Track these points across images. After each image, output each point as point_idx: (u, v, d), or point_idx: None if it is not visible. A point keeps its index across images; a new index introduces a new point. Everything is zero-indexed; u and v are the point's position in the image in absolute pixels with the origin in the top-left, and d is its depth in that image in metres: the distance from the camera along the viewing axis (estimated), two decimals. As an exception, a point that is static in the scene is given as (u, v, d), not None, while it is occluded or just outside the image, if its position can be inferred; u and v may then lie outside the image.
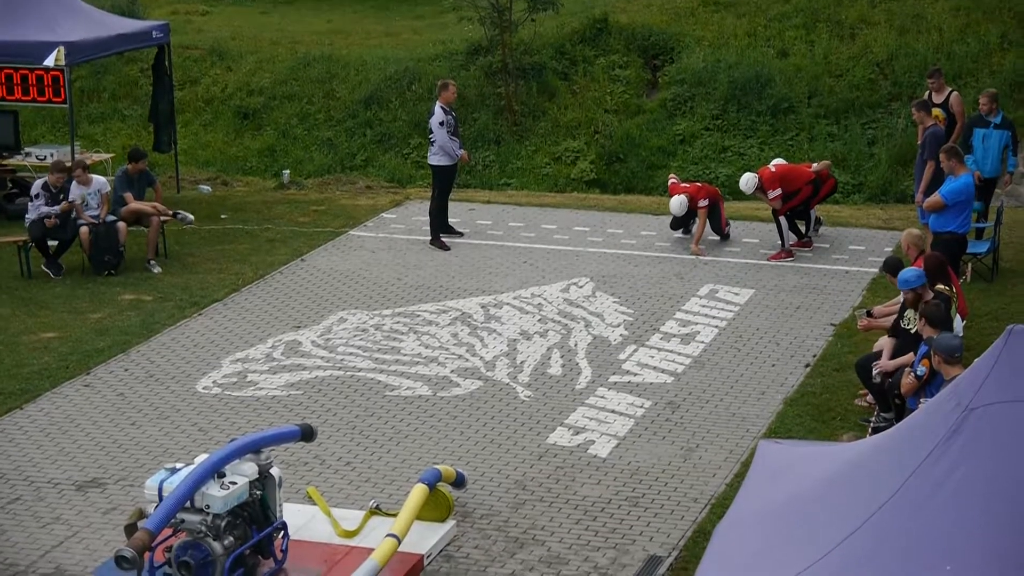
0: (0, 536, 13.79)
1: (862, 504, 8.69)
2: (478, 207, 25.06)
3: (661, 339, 18.68)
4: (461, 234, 23.18)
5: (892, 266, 16.61)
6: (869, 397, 16.10)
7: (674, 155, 27.04)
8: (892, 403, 15.19)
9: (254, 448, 12.77)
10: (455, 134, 22.72)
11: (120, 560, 11.82)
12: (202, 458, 12.61)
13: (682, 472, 15.01)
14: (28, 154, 24.75)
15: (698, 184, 23.01)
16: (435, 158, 22.70)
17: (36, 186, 21.63)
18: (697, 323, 19.29)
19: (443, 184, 22.84)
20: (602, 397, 16.94)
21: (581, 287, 20.66)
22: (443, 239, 22.74)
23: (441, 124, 22.44)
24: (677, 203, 22.33)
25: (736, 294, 20.39)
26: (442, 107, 22.53)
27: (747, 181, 21.93)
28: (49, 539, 13.71)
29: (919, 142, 21.39)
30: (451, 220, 23.22)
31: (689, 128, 27.76)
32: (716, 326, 19.17)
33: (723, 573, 9.50)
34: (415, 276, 21.29)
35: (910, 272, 15.64)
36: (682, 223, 22.87)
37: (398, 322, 19.37)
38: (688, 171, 26.45)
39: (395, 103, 29.18)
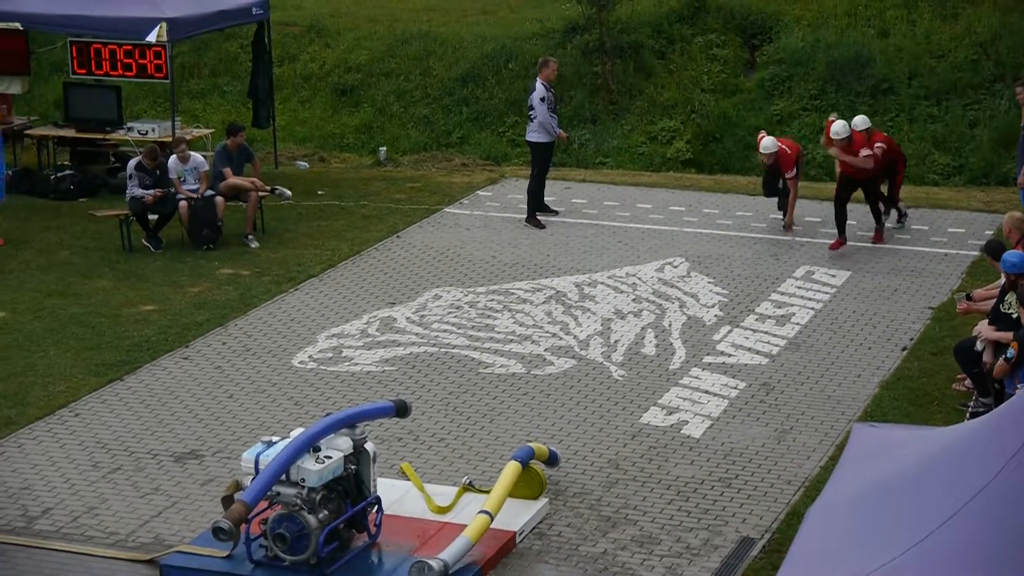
0: (101, 505, 14.01)
1: (958, 490, 8.63)
2: (573, 186, 25.06)
3: (756, 320, 18.62)
4: (556, 212, 23.19)
5: (993, 249, 16.44)
6: (967, 382, 15.95)
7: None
8: (991, 388, 15.05)
9: (349, 423, 12.88)
10: (554, 112, 22.74)
11: (217, 531, 11.98)
12: (298, 432, 12.74)
13: (776, 454, 14.96)
14: (130, 129, 25.04)
15: (790, 142, 22.91)
16: (534, 135, 22.75)
17: (130, 166, 21.85)
18: (793, 304, 19.20)
19: (542, 162, 22.87)
20: (696, 377, 16.91)
21: (676, 267, 20.62)
22: (538, 217, 22.78)
23: (542, 100, 22.47)
24: (769, 142, 22.12)
25: (833, 276, 20.27)
26: (543, 84, 22.57)
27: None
28: (148, 509, 13.90)
29: (1023, 124, 21.14)
30: (547, 199, 23.24)
31: (787, 108, 27.57)
32: (812, 308, 19.08)
33: (815, 556, 9.47)
34: (510, 254, 21.33)
35: (1015, 255, 15.46)
36: (774, 190, 22.56)
37: (492, 300, 19.43)
38: (785, 151, 26.33)
39: (491, 81, 29.19)
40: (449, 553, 12.28)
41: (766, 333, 18.23)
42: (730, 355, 17.57)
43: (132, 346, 17.94)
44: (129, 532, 13.49)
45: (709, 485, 14.33)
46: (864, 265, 20.68)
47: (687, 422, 15.75)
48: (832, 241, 21.30)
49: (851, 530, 9.53)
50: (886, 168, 21.77)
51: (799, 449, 15.05)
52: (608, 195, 24.42)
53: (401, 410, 13.62)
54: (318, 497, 12.49)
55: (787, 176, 22.14)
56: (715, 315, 18.86)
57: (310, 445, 12.48)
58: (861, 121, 21.64)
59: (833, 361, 17.33)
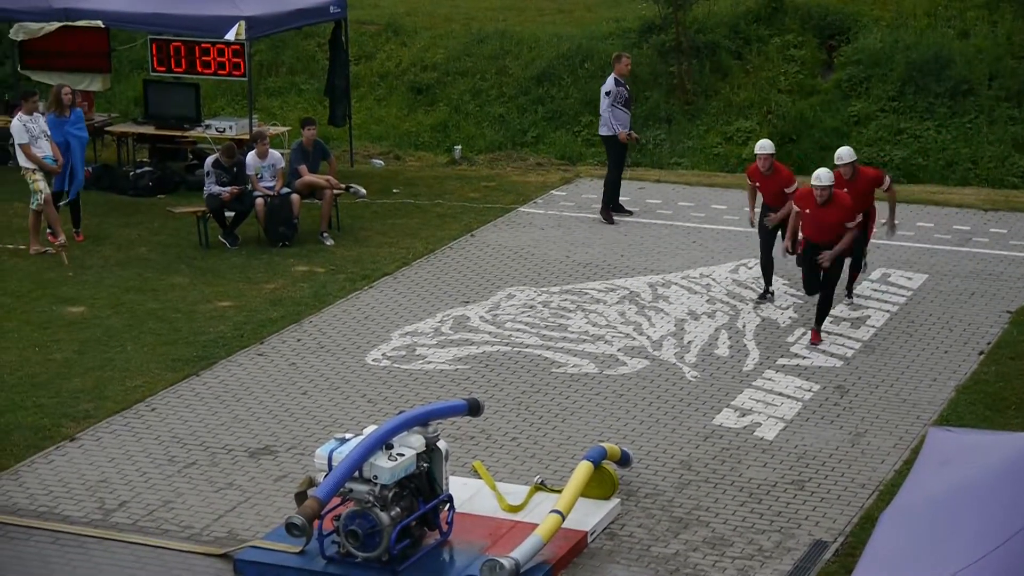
0: (177, 499, 14.12)
1: (1035, 496, 8.56)
2: (648, 186, 25.01)
3: (831, 323, 18.50)
4: (630, 213, 23.17)
5: None
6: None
7: (848, 136, 26.66)
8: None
9: (422, 421, 12.92)
10: (625, 106, 22.74)
11: (291, 527, 12.04)
12: (371, 429, 12.79)
13: (850, 457, 14.88)
14: (208, 126, 25.21)
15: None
16: (603, 129, 22.86)
17: (208, 163, 22.02)
18: (868, 307, 19.09)
19: (614, 156, 22.88)
20: (769, 379, 16.85)
21: (751, 268, 20.53)
22: (613, 215, 22.77)
23: (607, 94, 22.55)
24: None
25: (909, 279, 20.14)
26: (615, 78, 22.65)
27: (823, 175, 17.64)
28: (223, 504, 13.99)
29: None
30: (621, 199, 23.21)
31: (864, 109, 27.38)
32: (888, 311, 18.96)
33: (889, 561, 9.41)
34: (584, 254, 21.32)
35: None
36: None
37: (566, 299, 19.43)
38: (863, 153, 26.07)
39: (567, 80, 29.16)
40: (521, 552, 12.29)
41: (841, 335, 18.13)
42: (804, 357, 17.49)
43: (208, 342, 18.07)
44: (204, 526, 13.59)
45: (782, 488, 14.27)
46: (941, 268, 20.52)
47: (760, 424, 15.69)
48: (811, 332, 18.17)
49: (925, 535, 9.46)
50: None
51: (873, 452, 14.96)
52: (683, 195, 24.36)
53: (474, 409, 13.65)
54: (391, 494, 12.53)
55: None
56: (789, 317, 18.78)
57: (383, 442, 12.53)
58: (847, 153, 18.68)
59: (909, 364, 17.21)
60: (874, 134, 26.56)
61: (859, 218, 17.94)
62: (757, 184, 19.23)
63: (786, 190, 18.90)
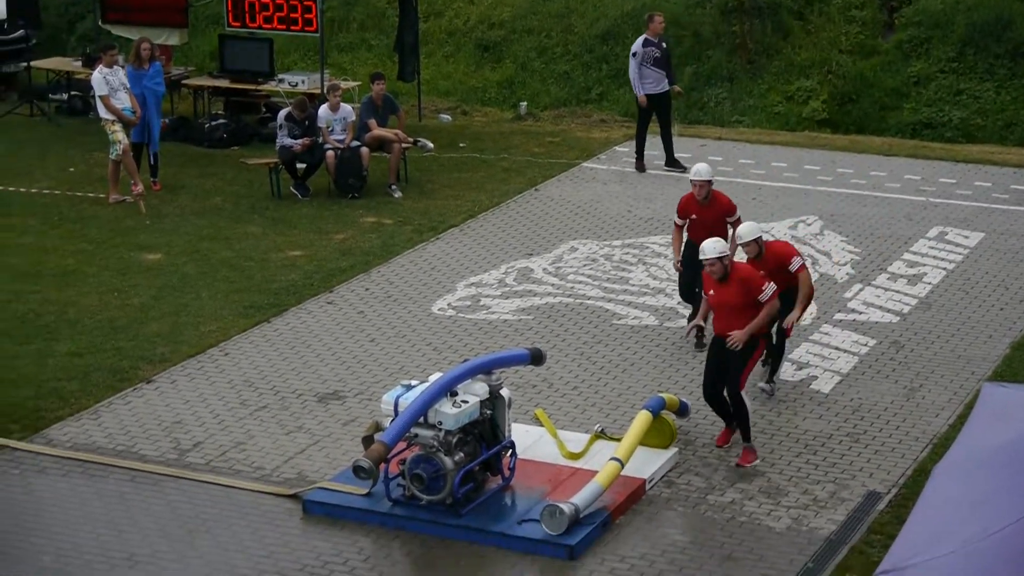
0: (248, 441, 14.23)
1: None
2: (709, 143, 24.88)
3: (888, 279, 18.41)
4: (686, 169, 23.06)
5: None
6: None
7: (907, 96, 26.44)
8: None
9: (485, 369, 12.95)
10: (657, 66, 22.69)
11: (358, 470, 12.11)
12: (436, 376, 12.83)
13: (904, 411, 14.81)
14: (281, 80, 25.25)
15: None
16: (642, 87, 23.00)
17: (280, 116, 22.07)
18: (925, 264, 18.95)
19: (656, 111, 22.81)
20: (826, 334, 16.77)
21: (809, 225, 20.42)
22: (643, 167, 23.12)
23: (633, 55, 22.58)
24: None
25: (966, 237, 19.97)
26: (644, 39, 22.66)
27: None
28: (292, 446, 14.09)
29: None
30: (680, 155, 23.12)
31: (924, 70, 27.10)
32: (944, 268, 18.81)
33: (941, 513, 9.38)
34: (645, 209, 21.26)
35: None
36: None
37: (627, 253, 19.39)
38: (921, 113, 25.89)
39: (631, 39, 28.81)
40: (580, 498, 12.32)
41: (897, 292, 18.02)
42: (861, 312, 17.39)
43: (279, 290, 18.16)
44: (274, 467, 13.69)
45: (837, 440, 14.23)
46: (998, 227, 20.33)
47: (817, 377, 15.63)
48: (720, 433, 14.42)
49: (978, 488, 9.42)
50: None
51: (928, 407, 14.88)
52: (743, 153, 24.22)
53: (536, 358, 13.67)
54: (455, 440, 12.59)
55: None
56: (847, 273, 18.67)
57: (448, 389, 12.58)
58: (747, 231, 14.60)
59: (964, 321, 17.09)
60: (933, 95, 26.30)
61: (768, 290, 13.80)
62: (692, 218, 16.07)
63: (728, 219, 15.89)
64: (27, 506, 13.07)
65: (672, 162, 23.03)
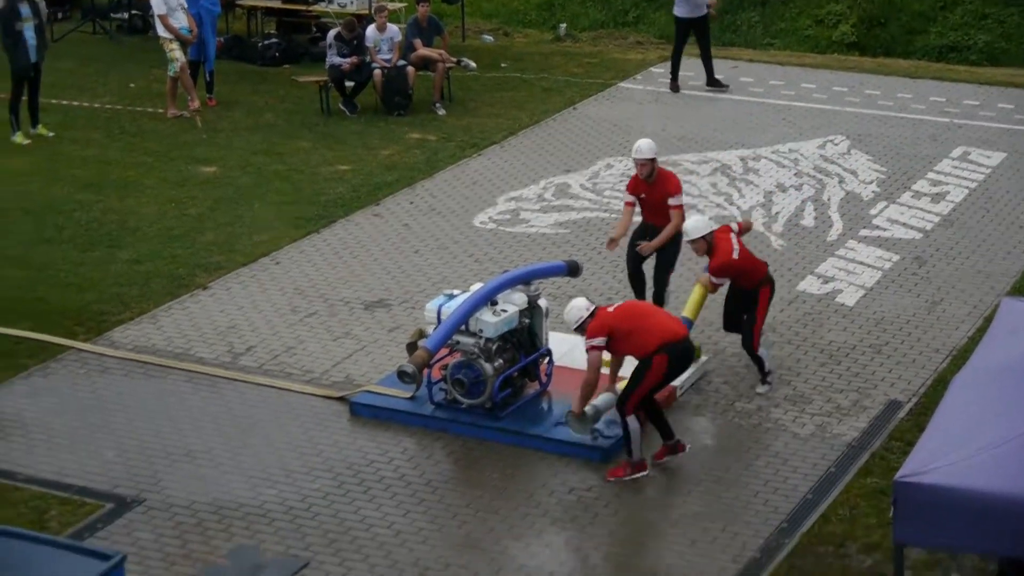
0: (298, 345, 14.31)
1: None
2: (741, 65, 24.65)
3: (912, 197, 18.29)
4: (726, 87, 22.91)
5: None
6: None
7: (934, 21, 26.12)
8: None
9: (524, 280, 12.97)
10: None
11: (402, 375, 12.19)
12: (477, 287, 12.87)
13: (925, 324, 14.77)
14: (331, 1, 25.09)
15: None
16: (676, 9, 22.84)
17: (329, 36, 21.99)
18: (948, 183, 18.81)
19: (695, 33, 22.63)
20: (851, 249, 16.70)
21: (837, 144, 20.28)
22: (678, 87, 22.93)
23: None
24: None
25: (988, 157, 19.78)
26: None
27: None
28: (340, 351, 14.16)
29: None
30: (718, 75, 22.94)
31: (951, -6, 26.78)
32: (967, 187, 18.67)
33: (960, 421, 9.38)
34: (678, 127, 21.14)
35: None
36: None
37: (662, 170, 19.28)
38: (947, 37, 25.59)
39: (668, -37, 28.74)
40: (601, 400, 12.30)
41: (921, 209, 17.90)
42: (885, 229, 17.30)
43: (328, 202, 18.18)
44: (323, 371, 13.78)
45: (860, 351, 14.21)
46: (1019, 148, 20.13)
47: (841, 291, 15.59)
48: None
49: (995, 398, 9.42)
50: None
51: (948, 320, 14.83)
52: (774, 75, 24.02)
53: (573, 270, 13.67)
54: (494, 347, 12.64)
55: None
56: (872, 191, 18.56)
57: (488, 299, 12.60)
58: (693, 227, 13.54)
59: (985, 238, 16.98)
60: (959, 19, 25.97)
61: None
62: (641, 196, 14.38)
63: (670, 201, 14.19)
64: (92, 404, 13.22)
65: (713, 82, 22.86)
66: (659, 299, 14.35)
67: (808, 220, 17.60)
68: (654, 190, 14.23)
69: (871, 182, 18.86)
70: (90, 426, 12.84)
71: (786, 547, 11.14)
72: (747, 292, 13.46)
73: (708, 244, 13.37)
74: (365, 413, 12.96)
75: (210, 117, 21.42)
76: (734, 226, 13.86)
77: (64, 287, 15.63)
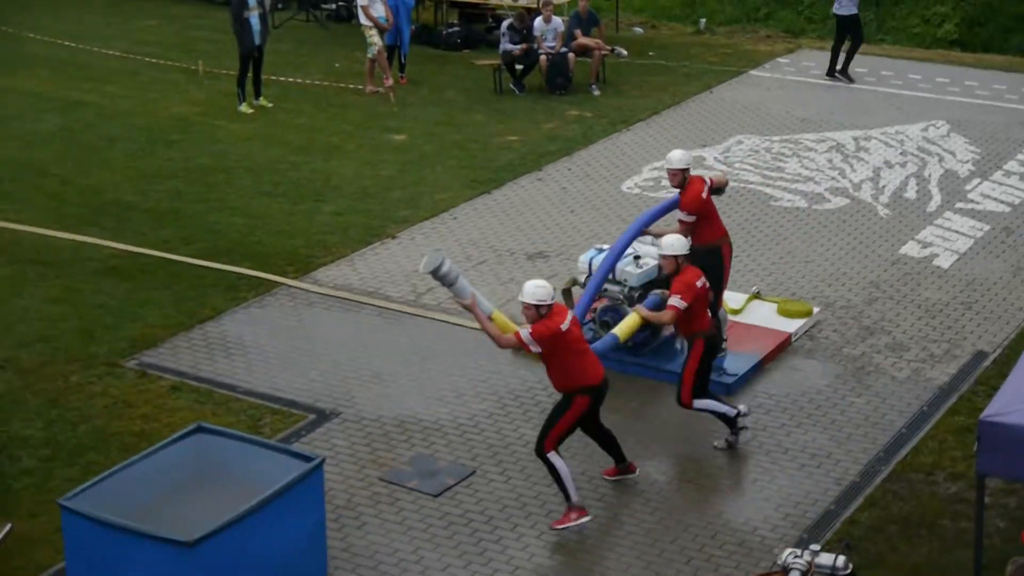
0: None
1: None
2: (857, 58, 24.09)
3: (1003, 175, 17.81)
4: (852, 80, 22.46)
5: None
6: None
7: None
8: None
9: (645, 225, 12.74)
10: None
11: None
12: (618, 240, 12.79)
13: (1011, 286, 14.43)
14: (504, -4, 25.11)
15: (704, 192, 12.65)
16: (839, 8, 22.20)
17: (503, 26, 22.00)
18: (1036, 164, 18.31)
19: (849, 30, 22.15)
20: (948, 219, 16.34)
21: (938, 128, 19.81)
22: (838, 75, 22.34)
23: None
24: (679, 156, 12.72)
25: (1073, 141, 19.19)
26: None
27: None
28: (506, 293, 14.21)
29: None
30: (847, 68, 22.46)
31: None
32: (1053, 167, 18.15)
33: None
34: (801, 110, 20.80)
35: None
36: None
37: (784, 147, 19.03)
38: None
39: (800, -32, 28.22)
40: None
41: (1011, 186, 17.43)
42: (978, 203, 16.88)
43: (498, 167, 18.23)
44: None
45: (953, 307, 13.94)
46: (1100, 134, 19.50)
47: (938, 255, 15.28)
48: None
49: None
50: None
51: (1031, 283, 14.49)
52: (884, 66, 23.48)
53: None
54: (636, 295, 12.61)
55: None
56: (968, 169, 18.11)
57: (622, 250, 12.49)
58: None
59: (1067, 213, 16.52)
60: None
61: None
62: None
63: (679, 216, 12.52)
64: (299, 331, 13.47)
65: (844, 72, 22.38)
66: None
67: (911, 193, 17.24)
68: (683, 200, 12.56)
69: (967, 161, 18.41)
70: (297, 350, 13.09)
71: (882, 473, 11.03)
72: (686, 337, 11.37)
73: (678, 266, 11.19)
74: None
75: (401, 93, 21.58)
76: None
77: (277, 233, 15.92)
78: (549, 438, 10.28)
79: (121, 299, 14.07)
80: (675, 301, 10.97)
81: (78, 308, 13.84)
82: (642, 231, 12.76)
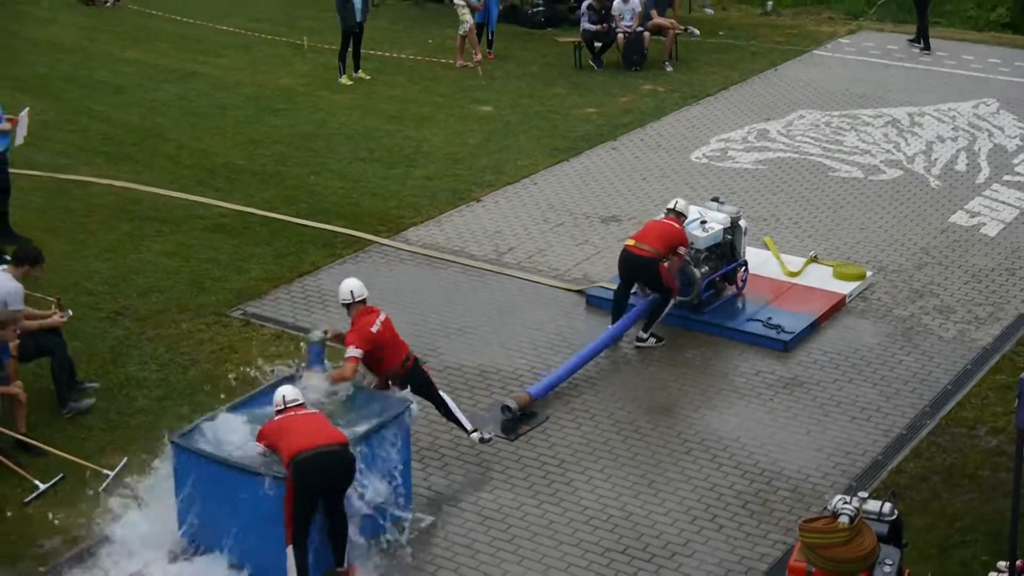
0: (548, 249, 14.34)
1: None
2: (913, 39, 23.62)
3: (1049, 150, 17.38)
4: (925, 50, 22.02)
5: None
6: None
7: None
8: None
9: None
10: None
11: (504, 408, 10.92)
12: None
13: (1055, 254, 14.08)
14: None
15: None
16: None
17: (584, 5, 21.77)
18: (1082, 140, 17.79)
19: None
20: (995, 191, 15.95)
21: (988, 105, 19.32)
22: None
23: None
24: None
25: (1118, 119, 18.62)
26: None
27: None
28: (580, 254, 14.14)
29: None
30: (890, 47, 22.02)
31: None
32: (1098, 144, 17.64)
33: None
34: (860, 88, 20.39)
35: None
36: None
37: (843, 121, 18.68)
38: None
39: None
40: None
41: (1057, 161, 17.01)
42: (1026, 176, 16.50)
43: (577, 137, 18.08)
44: (566, 269, 13.79)
45: (998, 273, 13.62)
46: None
47: (985, 224, 14.93)
48: None
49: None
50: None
51: (1075, 252, 14.10)
52: (940, 47, 22.92)
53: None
54: (702, 256, 12.48)
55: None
56: (1016, 144, 17.65)
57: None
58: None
59: (1110, 186, 16.05)
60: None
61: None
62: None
63: (679, 250, 12.07)
64: (390, 286, 13.49)
65: (918, 39, 22.14)
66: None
67: (961, 166, 16.85)
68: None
69: (1015, 137, 17.94)
70: (388, 303, 13.07)
71: (927, 426, 10.84)
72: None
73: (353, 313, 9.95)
74: (597, 303, 12.94)
75: (488, 68, 21.46)
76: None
77: (372, 195, 15.94)
78: (286, 530, 8.63)
79: (228, 254, 14.17)
80: (351, 351, 9.62)
81: (190, 262, 13.96)
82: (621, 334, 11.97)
